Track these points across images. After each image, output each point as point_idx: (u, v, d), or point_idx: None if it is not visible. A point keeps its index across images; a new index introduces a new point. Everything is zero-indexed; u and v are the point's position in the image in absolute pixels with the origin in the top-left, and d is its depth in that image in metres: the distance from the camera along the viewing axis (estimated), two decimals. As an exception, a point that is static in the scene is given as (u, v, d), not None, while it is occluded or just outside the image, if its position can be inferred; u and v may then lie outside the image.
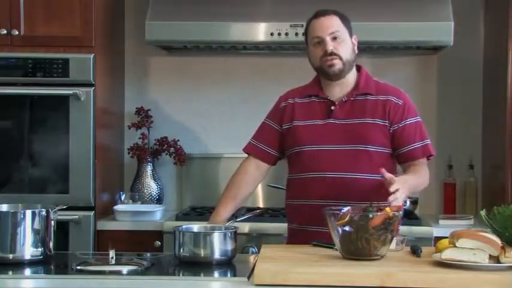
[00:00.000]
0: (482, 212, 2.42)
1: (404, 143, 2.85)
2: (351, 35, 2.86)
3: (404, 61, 4.22)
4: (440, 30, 3.77)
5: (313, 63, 2.87)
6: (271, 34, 3.81)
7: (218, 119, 4.29)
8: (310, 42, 2.86)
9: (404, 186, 2.56)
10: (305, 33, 2.91)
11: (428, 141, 2.89)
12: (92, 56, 3.71)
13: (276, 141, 2.96)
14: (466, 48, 4.14)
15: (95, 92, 3.72)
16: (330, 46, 2.79)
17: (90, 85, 3.72)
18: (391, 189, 2.51)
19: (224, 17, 3.86)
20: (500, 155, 3.83)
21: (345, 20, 2.86)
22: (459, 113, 4.23)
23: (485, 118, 4.17)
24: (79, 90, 3.69)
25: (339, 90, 2.88)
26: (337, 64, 2.80)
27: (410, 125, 2.86)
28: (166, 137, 4.16)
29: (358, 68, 2.93)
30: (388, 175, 2.59)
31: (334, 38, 2.80)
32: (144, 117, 4.15)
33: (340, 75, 2.84)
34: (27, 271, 2.41)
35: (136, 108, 4.17)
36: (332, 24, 2.82)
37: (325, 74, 2.85)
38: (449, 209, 4.14)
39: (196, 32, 3.86)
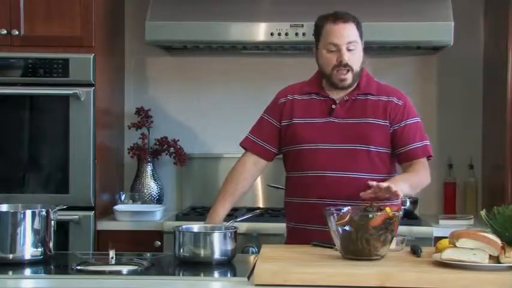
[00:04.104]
0: (482, 212, 2.42)
1: (404, 142, 2.84)
2: (362, 43, 2.85)
3: (404, 61, 4.22)
4: (440, 30, 3.77)
5: (324, 69, 2.84)
6: (271, 34, 3.81)
7: (218, 119, 4.29)
8: (323, 46, 2.82)
9: (394, 183, 2.57)
10: (317, 32, 2.86)
11: (427, 142, 2.88)
12: (92, 56, 3.71)
13: (275, 137, 2.94)
14: (466, 48, 4.14)
15: (95, 92, 3.72)
16: (346, 57, 2.78)
17: (90, 85, 3.72)
18: (383, 185, 2.53)
19: (224, 17, 3.86)
20: (500, 155, 3.83)
21: (360, 28, 2.84)
22: (459, 113, 4.22)
23: (485, 118, 4.17)
24: (79, 90, 3.69)
25: (341, 90, 2.87)
26: (348, 79, 2.80)
27: (410, 125, 2.85)
28: (166, 137, 4.15)
29: (360, 69, 2.93)
30: (377, 183, 2.57)
31: (349, 49, 2.79)
32: (144, 117, 4.15)
33: (347, 87, 2.84)
34: (27, 271, 2.41)
35: (136, 108, 4.17)
36: (351, 33, 2.80)
37: (332, 84, 2.85)
38: (449, 209, 4.14)
39: (196, 32, 3.86)
